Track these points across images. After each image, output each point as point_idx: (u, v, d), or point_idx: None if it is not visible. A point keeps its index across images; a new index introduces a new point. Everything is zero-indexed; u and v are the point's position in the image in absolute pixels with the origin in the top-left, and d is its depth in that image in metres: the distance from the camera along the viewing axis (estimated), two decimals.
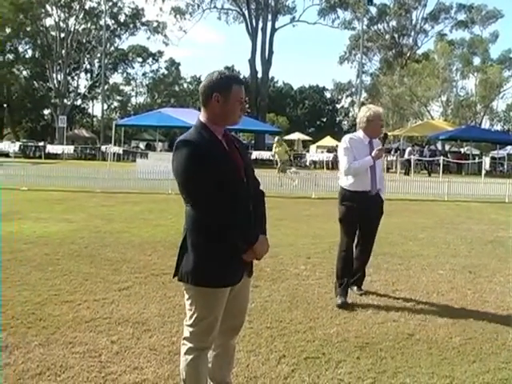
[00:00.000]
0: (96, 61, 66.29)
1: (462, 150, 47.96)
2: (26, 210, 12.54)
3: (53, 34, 58.82)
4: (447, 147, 49.83)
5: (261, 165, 34.13)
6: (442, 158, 30.91)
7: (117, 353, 4.54)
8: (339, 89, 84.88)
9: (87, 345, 4.67)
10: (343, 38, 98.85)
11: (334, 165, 37.57)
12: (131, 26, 64.06)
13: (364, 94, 65.11)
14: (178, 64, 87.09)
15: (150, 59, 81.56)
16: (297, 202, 16.61)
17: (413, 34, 67.33)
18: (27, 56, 62.69)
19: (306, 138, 62.31)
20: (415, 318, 5.67)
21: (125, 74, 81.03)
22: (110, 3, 59.90)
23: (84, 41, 61.21)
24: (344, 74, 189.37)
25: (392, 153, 41.19)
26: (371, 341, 4.99)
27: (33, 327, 5.02)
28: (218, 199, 3.15)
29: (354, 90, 78.32)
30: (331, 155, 39.41)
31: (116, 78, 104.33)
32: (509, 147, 47.36)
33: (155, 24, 62.84)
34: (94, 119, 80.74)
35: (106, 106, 70.65)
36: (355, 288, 6.60)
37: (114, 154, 36.35)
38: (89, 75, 72.05)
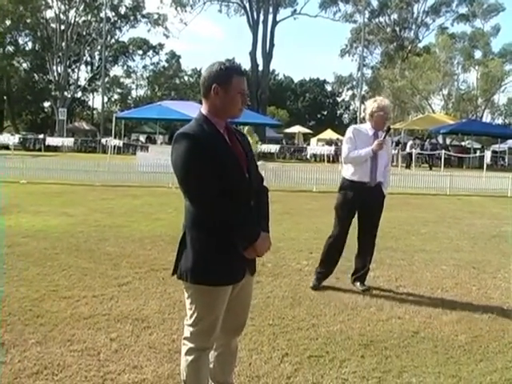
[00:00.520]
0: (96, 53, 66.19)
1: (463, 144, 47.81)
2: (24, 204, 12.43)
3: (53, 26, 58.55)
4: (448, 141, 49.68)
5: (262, 157, 33.98)
6: (443, 151, 30.80)
7: (116, 351, 4.44)
8: (340, 82, 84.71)
9: (85, 342, 4.57)
10: (344, 30, 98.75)
11: (334, 158, 37.46)
12: (132, 18, 63.89)
13: (365, 87, 65.15)
14: (179, 57, 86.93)
15: (151, 52, 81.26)
16: (298, 196, 16.51)
17: (414, 27, 67.03)
18: (27, 48, 62.40)
19: (307, 131, 62.24)
20: (420, 315, 5.58)
21: (125, 67, 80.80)
22: None
23: (84, 33, 60.96)
24: (345, 67, 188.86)
25: (393, 146, 41.09)
26: (375, 339, 4.89)
27: (30, 324, 4.92)
28: (218, 194, 3.03)
29: (354, 83, 78.26)
30: (332, 148, 39.29)
31: (116, 70, 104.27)
32: (510, 141, 47.18)
33: (156, 16, 62.77)
34: (95, 112, 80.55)
35: (106, 99, 70.49)
36: (358, 284, 6.51)
37: (115, 146, 36.23)
38: (89, 68, 71.88)
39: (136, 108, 58.66)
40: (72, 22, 57.69)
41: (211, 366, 3.40)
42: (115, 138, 40.79)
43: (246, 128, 25.36)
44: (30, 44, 62.68)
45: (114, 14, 62.85)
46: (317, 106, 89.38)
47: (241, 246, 3.11)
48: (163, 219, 10.96)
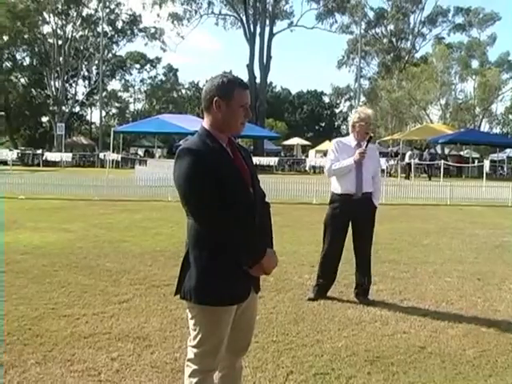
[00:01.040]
0: (94, 68, 66.40)
1: (462, 154, 47.80)
2: (23, 219, 12.34)
3: (50, 41, 58.79)
4: (447, 151, 49.67)
5: (260, 170, 33.96)
6: (442, 161, 30.76)
7: (117, 371, 4.34)
8: (337, 93, 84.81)
9: (86, 362, 4.47)
10: (341, 42, 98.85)
11: None
12: (129, 32, 64.18)
13: (362, 98, 65.08)
14: (176, 70, 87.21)
15: (148, 66, 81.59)
16: (297, 208, 16.41)
17: (411, 37, 67.34)
18: (25, 63, 62.45)
19: (305, 142, 62.19)
20: (426, 329, 5.48)
21: (123, 81, 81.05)
22: (107, 10, 59.92)
23: (82, 48, 61.15)
24: (342, 79, 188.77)
25: (392, 156, 41.08)
26: (382, 354, 4.79)
27: (29, 344, 4.82)
28: (222, 211, 2.93)
29: (352, 94, 78.32)
30: None
31: (114, 84, 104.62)
32: (508, 150, 47.29)
33: (153, 30, 63.01)
34: (93, 126, 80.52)
35: (104, 113, 70.75)
36: (361, 298, 6.43)
37: (113, 161, 36.17)
38: (87, 82, 72.03)
39: (134, 122, 58.76)
40: (69, 36, 57.95)
41: None
42: (113, 152, 40.70)
43: None
44: (27, 59, 62.85)
45: (111, 28, 63.12)
46: (315, 118, 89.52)
47: (246, 264, 3.02)
48: (163, 234, 10.87)
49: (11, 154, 37.40)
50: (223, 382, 3.32)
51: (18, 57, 61.45)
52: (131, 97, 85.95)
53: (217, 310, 3.03)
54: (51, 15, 56.59)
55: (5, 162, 36.38)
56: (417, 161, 35.19)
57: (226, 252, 2.96)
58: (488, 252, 9.82)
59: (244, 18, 56.82)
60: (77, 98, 68.95)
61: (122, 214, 14.06)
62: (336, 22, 62.51)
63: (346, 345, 5.01)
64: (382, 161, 37.19)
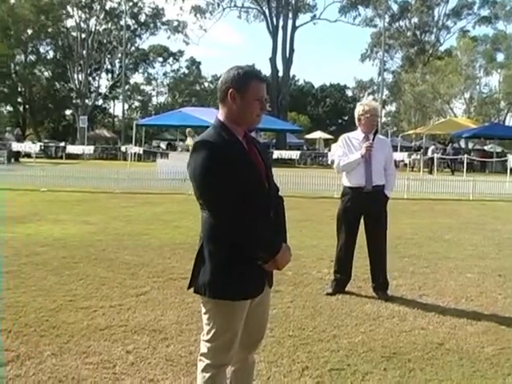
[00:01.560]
0: (117, 61, 66.60)
1: (486, 148, 47.28)
2: (44, 212, 12.44)
3: (74, 34, 59.19)
4: (470, 145, 49.20)
5: (282, 164, 33.89)
6: (465, 156, 30.46)
7: (132, 364, 4.35)
8: (361, 87, 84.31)
9: (101, 355, 4.48)
10: (365, 35, 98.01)
11: None
12: (151, 25, 64.27)
13: (386, 92, 64.81)
14: (199, 63, 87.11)
15: (171, 59, 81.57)
16: (318, 202, 16.34)
17: (435, 30, 66.67)
18: (49, 57, 62.99)
19: (328, 136, 61.89)
20: (444, 326, 5.42)
21: (146, 74, 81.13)
22: (131, 3, 60.15)
23: (105, 41, 61.47)
24: (365, 72, 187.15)
25: (414, 150, 40.77)
26: (399, 351, 4.74)
27: (46, 335, 4.84)
28: (237, 205, 2.89)
29: (375, 87, 77.71)
30: None
31: (137, 77, 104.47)
32: None
33: (175, 23, 63.05)
34: (116, 119, 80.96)
35: (126, 106, 70.93)
36: (380, 293, 6.37)
37: (135, 153, 36.32)
38: (110, 75, 72.24)
39: (156, 115, 58.90)
40: (92, 30, 58.24)
41: (228, 382, 3.29)
42: (136, 145, 40.88)
43: (187, 130, 24.92)
44: (51, 53, 63.35)
45: (134, 21, 63.29)
46: (338, 112, 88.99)
47: (261, 259, 2.99)
48: (183, 227, 10.89)
49: (34, 147, 37.66)
50: (236, 377, 3.31)
51: (42, 50, 62.06)
52: (154, 90, 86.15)
53: (231, 304, 3.01)
54: (75, 9, 56.95)
55: (29, 155, 36.75)
56: (439, 155, 34.85)
57: (240, 246, 2.93)
58: (510, 248, 9.67)
59: (267, 11, 56.70)
60: (100, 91, 69.56)
61: (143, 207, 14.11)
62: (359, 15, 61.99)
63: (363, 340, 4.96)
64: (404, 155, 37.06)
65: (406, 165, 36.38)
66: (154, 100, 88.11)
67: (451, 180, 21.42)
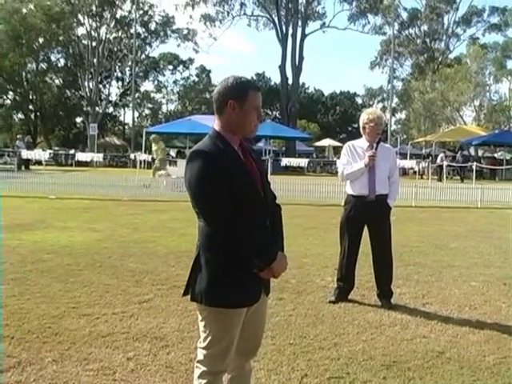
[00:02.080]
0: (127, 69, 66.90)
1: (496, 156, 47.10)
2: (52, 219, 12.50)
3: (84, 42, 59.46)
4: (480, 153, 49.02)
5: (291, 172, 33.90)
6: (474, 163, 30.36)
7: (132, 370, 4.37)
8: (370, 94, 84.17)
9: (102, 361, 4.51)
10: (374, 43, 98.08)
11: None
12: (162, 33, 64.48)
13: (395, 100, 64.62)
14: (209, 71, 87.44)
15: (181, 67, 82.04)
16: (325, 210, 16.31)
17: (445, 38, 66.47)
18: (59, 65, 63.29)
19: (337, 144, 61.77)
20: (446, 334, 5.41)
21: (156, 82, 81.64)
22: (141, 12, 60.41)
23: (115, 49, 61.74)
24: (375, 80, 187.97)
25: (424, 158, 40.68)
26: (399, 359, 4.74)
27: (48, 342, 4.88)
28: (233, 214, 2.93)
29: (385, 95, 77.65)
30: None
31: (147, 85, 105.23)
32: None
33: (185, 31, 63.16)
34: (126, 127, 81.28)
35: (137, 114, 71.43)
36: (383, 301, 6.36)
37: (144, 161, 36.41)
38: (120, 83, 72.83)
39: (166, 123, 59.08)
40: (103, 38, 58.51)
41: None
42: (145, 152, 40.98)
43: (152, 136, 24.98)
44: (62, 61, 63.59)
45: (144, 30, 63.52)
46: (347, 119, 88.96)
47: (257, 268, 3.02)
48: (189, 234, 10.87)
49: (43, 154, 37.83)
50: None
51: (53, 58, 62.32)
52: (164, 98, 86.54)
53: (227, 312, 3.03)
54: (85, 17, 57.25)
55: (39, 162, 36.93)
56: (448, 162, 34.75)
57: (236, 254, 2.96)
58: None
59: (276, 19, 56.89)
60: (110, 98, 69.85)
61: (150, 215, 14.15)
62: (369, 22, 61.97)
63: (364, 349, 4.96)
64: (413, 162, 36.97)
65: (415, 172, 36.29)
66: (164, 108, 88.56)
67: (459, 188, 21.36)
